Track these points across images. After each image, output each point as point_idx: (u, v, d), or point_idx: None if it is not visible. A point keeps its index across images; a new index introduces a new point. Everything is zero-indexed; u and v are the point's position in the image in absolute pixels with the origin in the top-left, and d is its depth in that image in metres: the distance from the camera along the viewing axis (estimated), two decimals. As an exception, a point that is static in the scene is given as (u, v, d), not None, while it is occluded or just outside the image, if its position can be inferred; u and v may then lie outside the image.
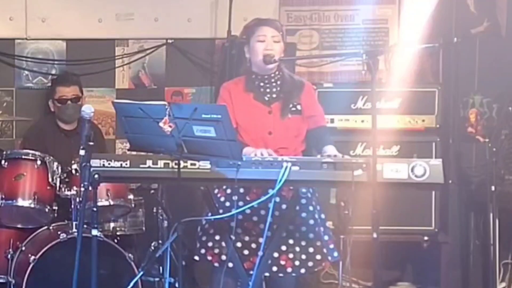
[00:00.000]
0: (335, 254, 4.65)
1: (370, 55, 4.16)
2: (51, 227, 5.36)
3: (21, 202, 5.29)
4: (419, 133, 5.93)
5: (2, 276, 5.31)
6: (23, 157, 5.39)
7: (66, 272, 4.58)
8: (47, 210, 5.33)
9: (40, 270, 5.08)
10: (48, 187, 5.36)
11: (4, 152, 5.40)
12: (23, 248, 5.27)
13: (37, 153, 5.39)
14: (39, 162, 5.35)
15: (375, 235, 4.04)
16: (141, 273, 5.01)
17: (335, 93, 5.88)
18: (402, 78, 5.96)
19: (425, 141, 5.87)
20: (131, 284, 4.85)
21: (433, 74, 6.35)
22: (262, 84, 4.66)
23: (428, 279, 6.15)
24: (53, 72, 6.37)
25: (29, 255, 5.11)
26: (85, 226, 4.49)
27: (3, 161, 5.34)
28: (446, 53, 6.32)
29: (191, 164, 4.22)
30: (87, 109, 4.26)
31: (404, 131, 5.90)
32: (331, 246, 4.64)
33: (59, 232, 5.16)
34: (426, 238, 5.92)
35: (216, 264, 4.54)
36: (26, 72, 6.38)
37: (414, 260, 6.30)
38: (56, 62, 6.39)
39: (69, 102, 5.89)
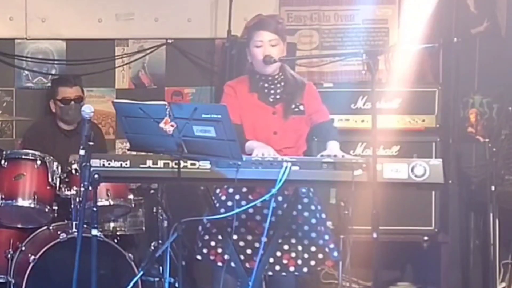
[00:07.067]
0: (335, 254, 4.65)
1: (370, 55, 4.16)
2: (51, 227, 5.36)
3: (21, 202, 5.30)
4: (419, 133, 5.93)
5: (2, 276, 5.30)
6: (23, 157, 5.39)
7: (66, 272, 4.58)
8: (47, 210, 5.33)
9: (40, 270, 5.07)
10: (48, 187, 5.36)
11: (4, 152, 5.40)
12: (23, 248, 5.27)
13: (37, 153, 5.39)
14: (39, 162, 5.35)
15: (375, 235, 4.04)
16: (141, 273, 5.01)
17: (335, 93, 5.87)
18: (402, 78, 5.95)
19: (425, 141, 5.87)
20: (131, 284, 4.84)
21: (433, 74, 6.34)
22: (266, 85, 4.67)
23: (428, 279, 6.15)
24: (53, 72, 6.38)
25: (29, 255, 5.11)
26: (85, 226, 4.48)
27: (3, 161, 5.34)
28: (446, 53, 6.31)
29: (191, 164, 4.21)
30: (87, 109, 4.26)
31: (404, 131, 5.90)
32: (331, 245, 4.64)
33: (59, 232, 5.16)
34: (426, 238, 5.92)
35: (220, 264, 4.54)
36: (26, 72, 6.38)
37: (414, 260, 6.29)
38: (56, 62, 6.39)
39: (72, 102, 5.90)
